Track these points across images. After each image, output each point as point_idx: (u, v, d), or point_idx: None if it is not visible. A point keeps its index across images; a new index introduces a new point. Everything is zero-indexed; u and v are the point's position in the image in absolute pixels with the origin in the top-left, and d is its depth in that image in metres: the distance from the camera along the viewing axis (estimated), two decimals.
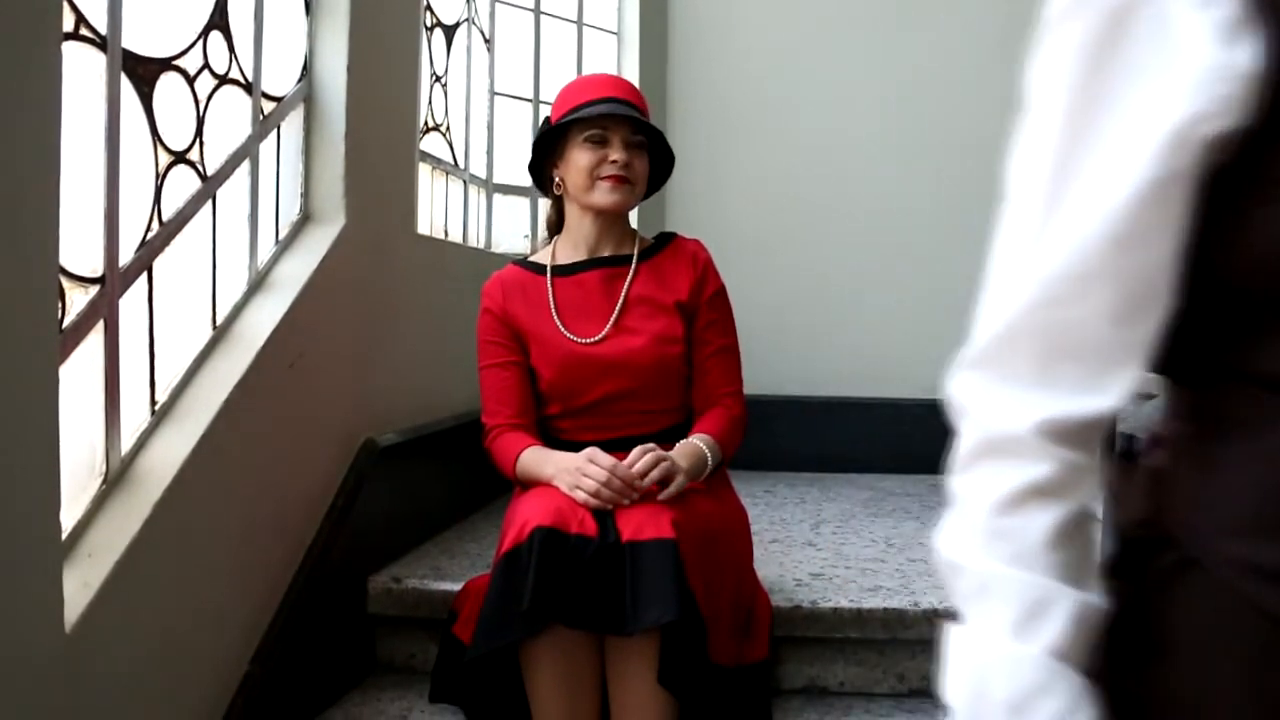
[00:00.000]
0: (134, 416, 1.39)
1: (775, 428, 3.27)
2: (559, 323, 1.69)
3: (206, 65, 1.57)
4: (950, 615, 0.56)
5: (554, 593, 1.39)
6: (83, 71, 1.27)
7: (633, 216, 1.81)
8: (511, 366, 1.70)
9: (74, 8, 1.24)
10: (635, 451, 1.52)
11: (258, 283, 1.69)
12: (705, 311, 1.71)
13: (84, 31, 1.27)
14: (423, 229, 2.37)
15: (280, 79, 1.79)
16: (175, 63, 1.50)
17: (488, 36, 2.96)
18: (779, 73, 3.42)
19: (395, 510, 2.03)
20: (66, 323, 1.23)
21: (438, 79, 2.59)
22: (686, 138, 3.33)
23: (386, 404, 2.07)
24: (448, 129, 2.66)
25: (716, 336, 1.72)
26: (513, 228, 3.09)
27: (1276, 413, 0.49)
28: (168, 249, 1.47)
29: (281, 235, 1.79)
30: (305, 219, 1.85)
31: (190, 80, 1.54)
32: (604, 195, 1.66)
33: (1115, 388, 0.52)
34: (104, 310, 1.30)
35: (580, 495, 1.49)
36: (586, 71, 3.28)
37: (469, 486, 2.48)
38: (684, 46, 3.47)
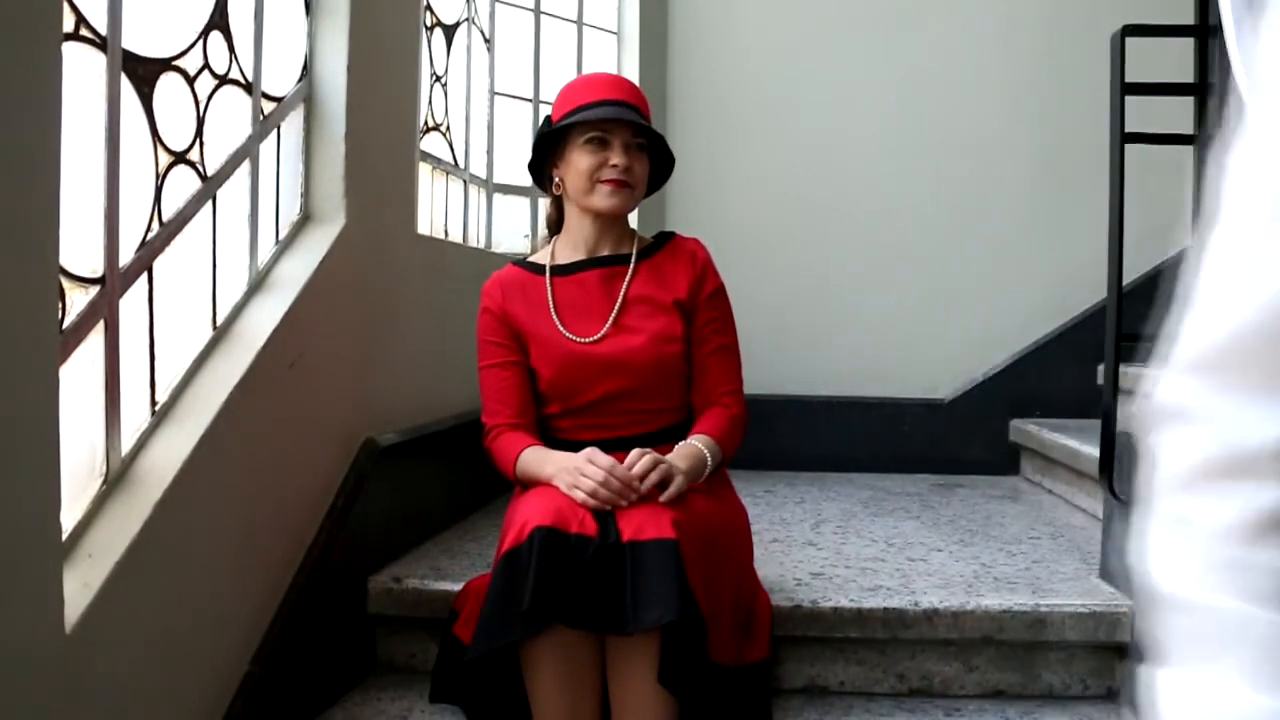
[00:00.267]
0: (134, 416, 1.39)
1: (775, 428, 3.27)
2: (558, 322, 1.69)
3: (206, 65, 1.57)
4: (1141, 653, 0.51)
5: (554, 593, 1.39)
6: (83, 72, 1.27)
7: (632, 216, 1.81)
8: (511, 366, 1.70)
9: (74, 8, 1.24)
10: (633, 454, 1.52)
11: (258, 283, 1.69)
12: (704, 310, 1.71)
13: (84, 32, 1.27)
14: (423, 229, 2.37)
15: (280, 79, 1.79)
16: (175, 63, 1.50)
17: (488, 36, 2.96)
18: (779, 73, 3.42)
19: (395, 510, 2.03)
20: (67, 323, 1.23)
21: (438, 79, 2.59)
22: (686, 138, 3.34)
23: (386, 404, 2.07)
24: (448, 129, 2.66)
25: (715, 335, 1.72)
26: (513, 228, 3.09)
27: None
28: (168, 249, 1.47)
29: (281, 235, 1.79)
30: (305, 219, 1.85)
31: (190, 80, 1.54)
32: (604, 199, 1.66)
33: None
34: (104, 310, 1.30)
35: (579, 495, 1.49)
36: (586, 71, 3.28)
37: (469, 486, 2.48)
38: (684, 46, 3.47)
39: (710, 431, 1.66)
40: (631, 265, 1.72)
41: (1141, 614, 1.70)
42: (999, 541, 2.27)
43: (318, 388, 1.77)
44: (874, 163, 3.38)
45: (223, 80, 1.61)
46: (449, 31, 2.69)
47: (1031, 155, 3.30)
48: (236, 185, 1.65)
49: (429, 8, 2.51)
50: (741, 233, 3.28)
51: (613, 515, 1.47)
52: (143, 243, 1.41)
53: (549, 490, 1.52)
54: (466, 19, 2.79)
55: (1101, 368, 2.34)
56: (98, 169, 1.30)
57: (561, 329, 1.68)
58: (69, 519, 1.21)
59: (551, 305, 1.70)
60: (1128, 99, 1.79)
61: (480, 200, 2.88)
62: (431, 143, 2.53)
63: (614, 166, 1.64)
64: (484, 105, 2.93)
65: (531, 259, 1.78)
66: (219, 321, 1.59)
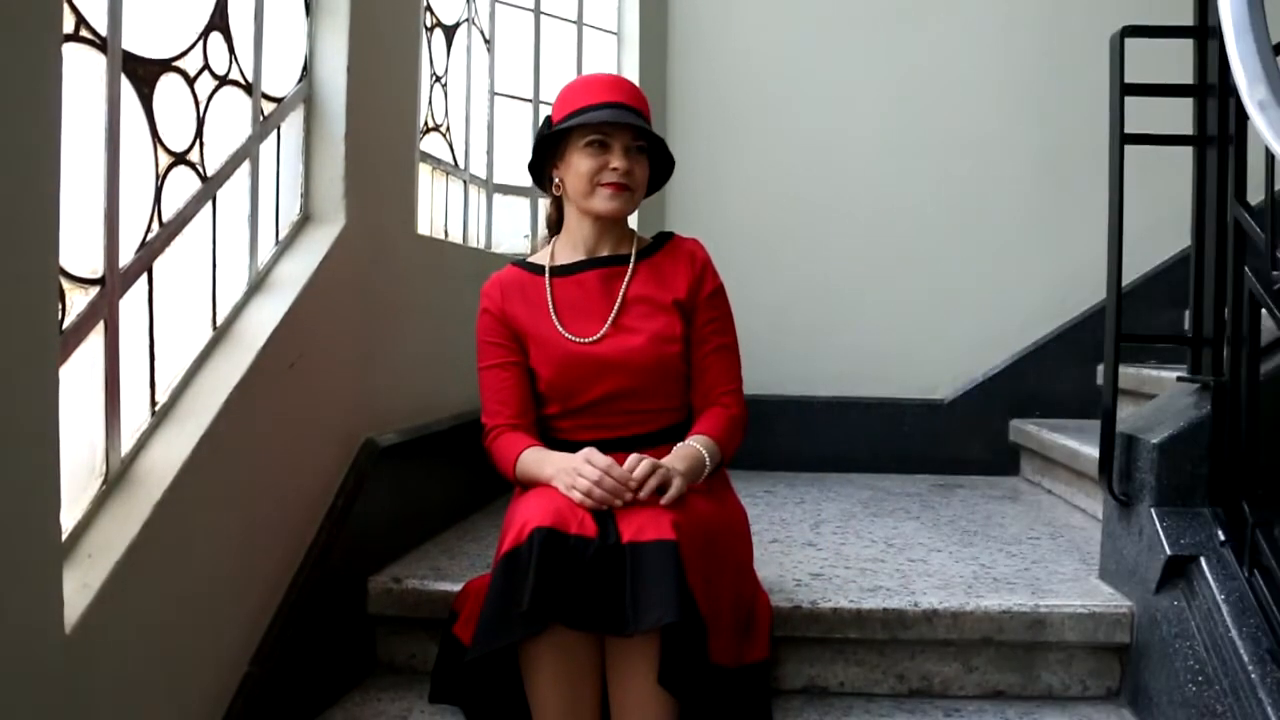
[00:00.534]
0: (134, 417, 1.39)
1: (775, 428, 3.27)
2: (558, 323, 1.69)
3: (206, 66, 1.57)
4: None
5: (554, 593, 1.39)
6: (83, 72, 1.27)
7: (632, 216, 1.81)
8: (511, 367, 1.70)
9: (74, 9, 1.24)
10: (631, 459, 1.52)
11: (258, 283, 1.69)
12: (704, 310, 1.71)
13: (84, 33, 1.27)
14: (423, 229, 2.37)
15: (280, 79, 1.79)
16: (175, 64, 1.50)
17: (488, 37, 2.96)
18: (779, 73, 3.42)
19: (395, 510, 2.03)
20: (67, 323, 1.23)
21: (438, 79, 2.59)
22: (686, 137, 3.34)
23: (386, 404, 2.07)
24: (448, 129, 2.66)
25: (715, 335, 1.72)
26: (513, 228, 3.09)
27: None
28: (168, 250, 1.47)
29: (281, 235, 1.80)
30: (305, 219, 1.85)
31: (190, 81, 1.54)
32: (604, 202, 1.66)
33: None
34: (104, 311, 1.30)
35: (576, 495, 1.48)
36: (586, 71, 3.28)
37: (469, 486, 2.48)
38: (684, 46, 3.47)
39: (709, 432, 1.66)
40: (631, 265, 1.72)
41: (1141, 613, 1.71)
42: (999, 542, 2.27)
43: (318, 388, 1.77)
44: (874, 163, 3.38)
45: (223, 81, 1.61)
46: (449, 32, 2.69)
47: (1031, 155, 3.30)
48: (236, 186, 1.65)
49: (429, 8, 2.51)
50: (741, 233, 3.28)
51: (613, 516, 1.47)
52: (143, 243, 1.41)
53: (549, 491, 1.52)
54: (466, 19, 2.79)
55: (1101, 368, 2.35)
56: (98, 169, 1.30)
57: (561, 329, 1.68)
58: (69, 519, 1.21)
59: (551, 305, 1.70)
60: (1128, 99, 1.79)
61: (480, 200, 2.88)
62: (431, 143, 2.53)
63: (614, 170, 1.64)
64: (484, 105, 2.93)
65: (531, 259, 1.78)
66: (219, 322, 1.59)
